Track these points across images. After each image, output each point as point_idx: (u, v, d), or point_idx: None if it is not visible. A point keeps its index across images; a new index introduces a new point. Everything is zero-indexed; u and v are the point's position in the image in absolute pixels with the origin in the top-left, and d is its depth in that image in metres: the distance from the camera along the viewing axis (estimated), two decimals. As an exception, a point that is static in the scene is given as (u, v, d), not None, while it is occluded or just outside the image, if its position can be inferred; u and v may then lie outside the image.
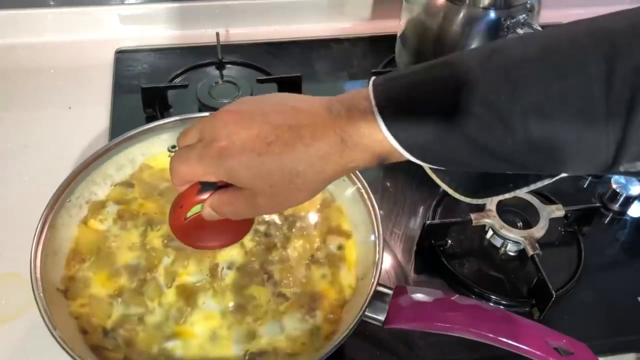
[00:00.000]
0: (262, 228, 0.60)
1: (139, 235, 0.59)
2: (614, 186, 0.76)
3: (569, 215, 0.71)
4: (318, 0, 1.00)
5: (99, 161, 0.62)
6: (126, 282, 0.56)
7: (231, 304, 0.55)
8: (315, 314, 0.55)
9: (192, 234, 0.58)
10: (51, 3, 0.93)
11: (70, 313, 0.53)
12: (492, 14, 0.73)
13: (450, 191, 0.50)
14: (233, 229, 0.59)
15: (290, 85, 0.86)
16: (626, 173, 0.38)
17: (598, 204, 0.73)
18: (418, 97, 0.41)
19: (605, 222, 0.76)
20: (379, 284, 0.54)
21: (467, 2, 0.74)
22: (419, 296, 0.55)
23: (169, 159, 0.64)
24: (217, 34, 0.92)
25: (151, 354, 0.52)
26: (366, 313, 0.52)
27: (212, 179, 0.45)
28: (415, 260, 0.70)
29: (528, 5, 0.74)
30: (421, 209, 0.76)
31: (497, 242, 0.70)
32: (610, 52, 0.36)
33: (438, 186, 0.70)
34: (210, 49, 0.92)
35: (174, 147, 0.66)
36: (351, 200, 0.61)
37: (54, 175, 0.60)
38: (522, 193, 0.71)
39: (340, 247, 0.59)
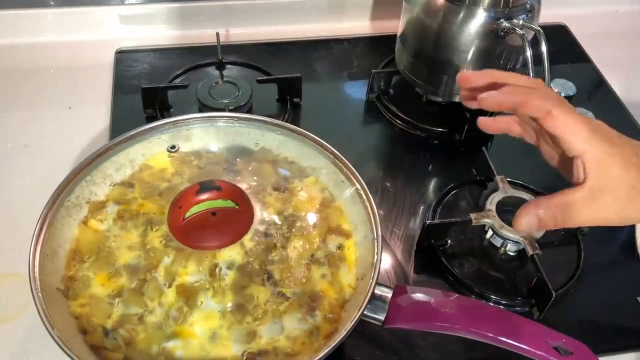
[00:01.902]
0: (261, 228, 0.60)
1: (138, 235, 0.59)
2: (614, 186, 0.76)
3: (568, 215, 0.71)
4: (318, 0, 1.00)
5: (98, 161, 0.62)
6: (126, 282, 0.56)
7: (231, 303, 0.55)
8: (315, 313, 0.55)
9: (191, 234, 0.58)
10: (51, 3, 0.93)
11: (70, 313, 0.53)
12: (492, 14, 0.73)
13: None
14: (232, 229, 0.59)
15: (290, 85, 0.86)
16: None
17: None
18: None
19: (605, 222, 0.76)
20: (378, 284, 0.54)
21: (467, 2, 0.74)
22: (419, 296, 0.55)
23: (169, 159, 0.65)
24: (217, 34, 0.92)
25: (151, 354, 0.52)
26: (366, 313, 0.53)
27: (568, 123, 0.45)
28: (415, 260, 0.71)
29: (528, 6, 0.74)
30: (421, 209, 0.76)
31: (497, 242, 0.70)
32: None
33: (438, 186, 0.70)
34: (210, 49, 0.92)
35: (173, 147, 0.66)
36: (350, 200, 0.61)
37: (54, 175, 0.60)
38: (521, 193, 0.72)
39: (340, 247, 0.59)
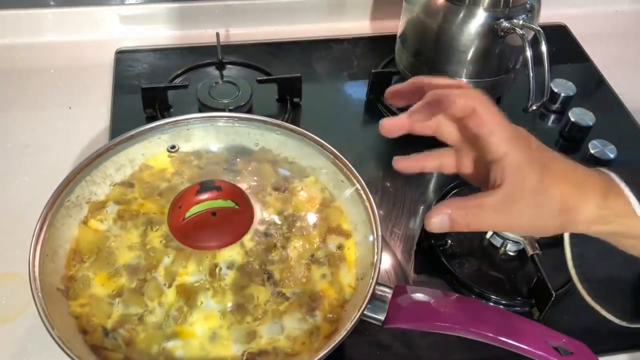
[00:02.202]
0: (261, 228, 0.60)
1: (138, 235, 0.59)
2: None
3: (568, 215, 0.71)
4: (318, 0, 1.00)
5: (98, 161, 0.62)
6: (126, 282, 0.56)
7: (231, 303, 0.55)
8: (315, 313, 0.55)
9: (191, 234, 0.58)
10: (51, 3, 0.93)
11: (70, 313, 0.53)
12: (492, 15, 0.73)
13: (612, 318, 0.54)
14: (232, 229, 0.59)
15: (290, 85, 0.86)
16: None
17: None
18: None
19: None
20: (378, 284, 0.54)
21: (467, 2, 0.74)
22: (419, 296, 0.55)
23: (169, 159, 0.65)
24: (217, 34, 0.92)
25: (151, 353, 0.52)
26: (366, 313, 0.52)
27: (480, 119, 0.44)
28: (415, 260, 0.71)
29: (528, 6, 0.74)
30: (421, 209, 0.76)
31: (497, 242, 0.70)
32: None
33: (438, 186, 0.70)
34: (210, 49, 0.92)
35: (173, 147, 0.66)
36: (350, 200, 0.61)
37: (54, 175, 0.60)
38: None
39: (340, 247, 0.59)
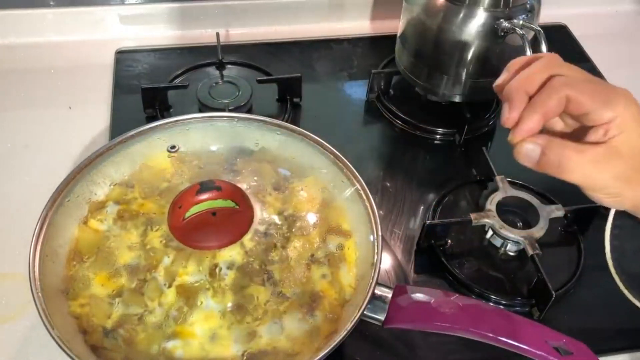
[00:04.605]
0: (262, 228, 0.60)
1: (138, 235, 0.59)
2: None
3: (569, 215, 0.71)
4: (318, 0, 1.00)
5: (98, 161, 0.62)
6: (126, 282, 0.56)
7: (231, 303, 0.55)
8: (315, 313, 0.55)
9: (191, 234, 0.58)
10: (51, 3, 0.93)
11: (70, 313, 0.53)
12: (492, 15, 0.73)
13: None
14: (232, 229, 0.59)
15: (290, 85, 0.86)
16: None
17: (598, 204, 0.73)
18: None
19: (605, 222, 0.76)
20: (378, 284, 0.54)
21: (467, 2, 0.74)
22: (419, 296, 0.55)
23: (169, 159, 0.65)
24: (217, 34, 0.92)
25: (151, 354, 0.52)
26: (366, 313, 0.53)
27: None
28: (415, 260, 0.71)
29: (528, 6, 0.74)
30: (421, 209, 0.76)
31: (497, 242, 0.70)
32: None
33: (438, 186, 0.70)
34: (210, 49, 0.92)
35: (173, 147, 0.65)
36: (350, 200, 0.61)
37: (54, 175, 0.60)
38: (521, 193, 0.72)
39: (340, 247, 0.59)
